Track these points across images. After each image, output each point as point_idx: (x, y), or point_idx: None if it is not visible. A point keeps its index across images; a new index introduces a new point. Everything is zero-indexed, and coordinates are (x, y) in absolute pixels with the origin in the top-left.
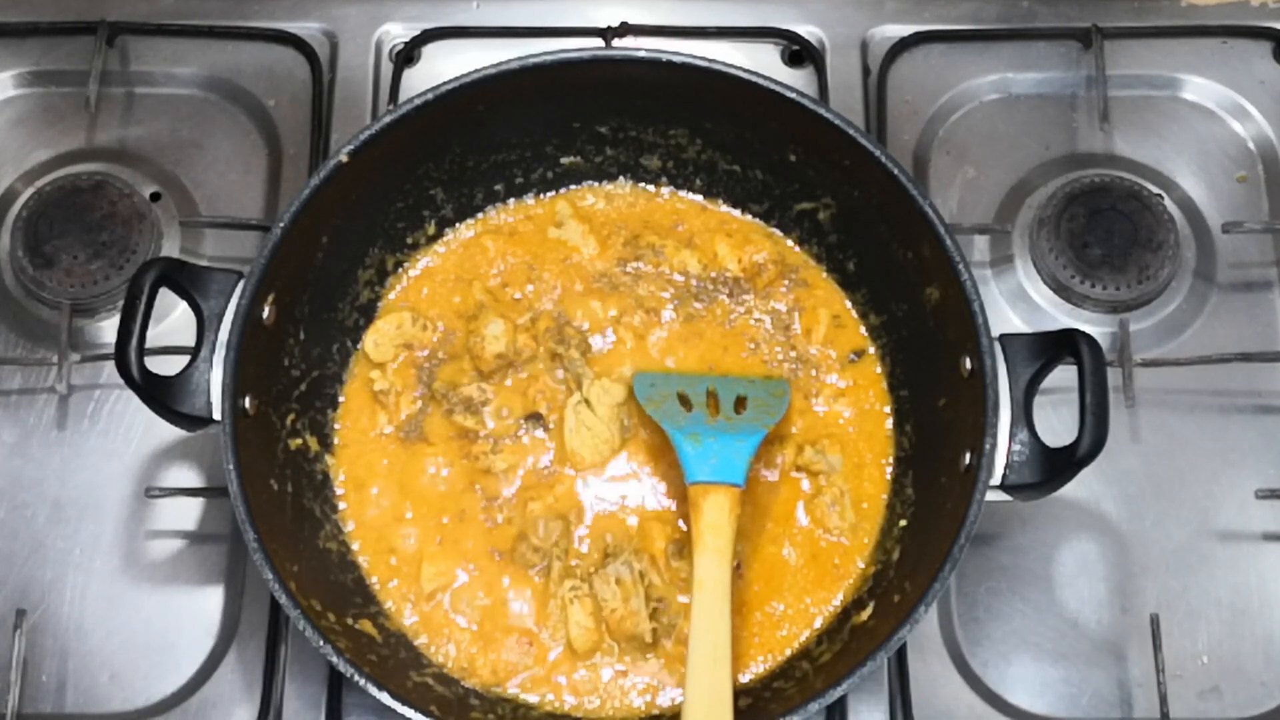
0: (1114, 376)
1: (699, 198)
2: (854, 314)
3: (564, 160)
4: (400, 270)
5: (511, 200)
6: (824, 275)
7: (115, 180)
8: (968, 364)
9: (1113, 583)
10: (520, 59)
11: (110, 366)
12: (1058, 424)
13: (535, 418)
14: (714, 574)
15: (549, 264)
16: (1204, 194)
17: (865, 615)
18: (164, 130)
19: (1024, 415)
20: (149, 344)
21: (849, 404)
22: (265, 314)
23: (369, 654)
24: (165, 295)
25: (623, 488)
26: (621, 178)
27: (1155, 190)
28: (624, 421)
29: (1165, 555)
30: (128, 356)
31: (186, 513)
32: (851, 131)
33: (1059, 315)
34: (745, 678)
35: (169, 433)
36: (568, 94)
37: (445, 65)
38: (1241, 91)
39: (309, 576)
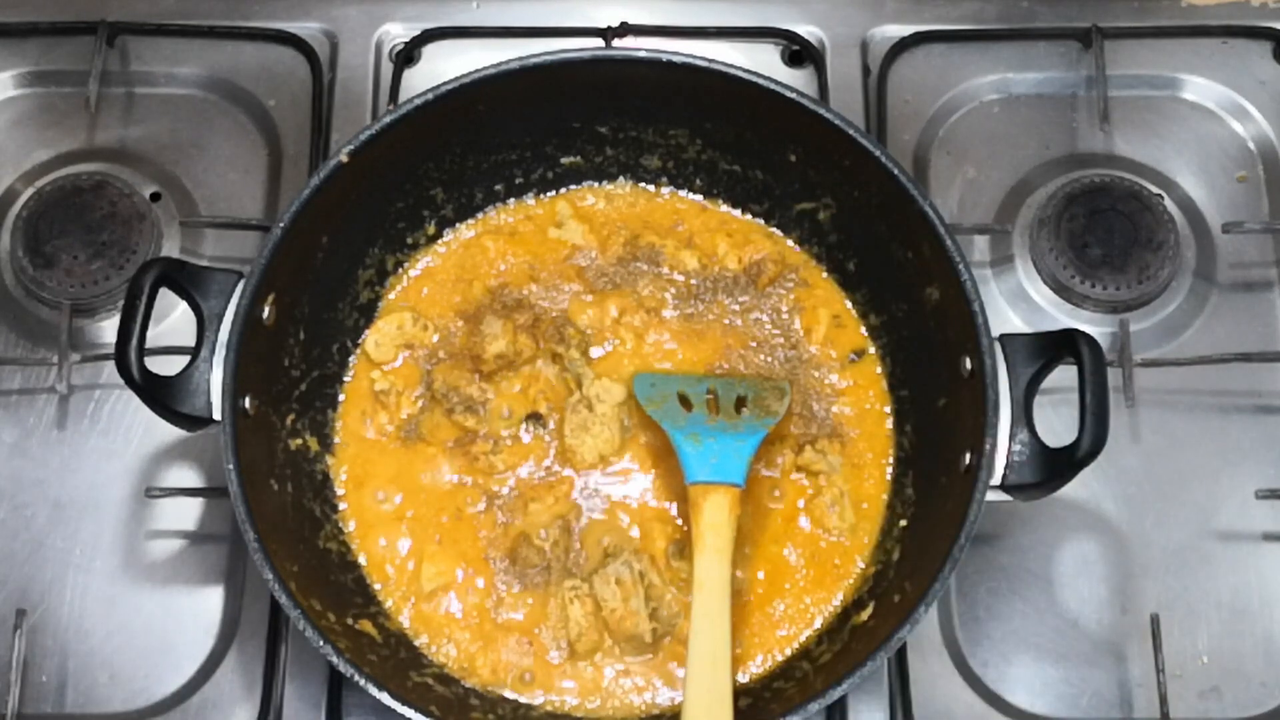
0: (1114, 376)
1: (699, 198)
2: (854, 314)
3: (564, 160)
4: (400, 270)
5: (511, 200)
6: (824, 275)
7: (115, 180)
8: (968, 364)
9: (1113, 583)
10: (520, 59)
11: (110, 366)
12: (1058, 424)
13: (535, 418)
14: (714, 574)
15: (549, 264)
16: (1204, 194)
17: (865, 615)
18: (164, 130)
19: (1024, 415)
20: (149, 344)
21: (849, 404)
22: (265, 314)
23: (369, 654)
24: (165, 295)
25: (623, 488)
26: (621, 178)
27: (1155, 190)
28: (624, 421)
29: (1165, 555)
30: (128, 356)
31: (186, 513)
32: (851, 131)
33: (1059, 315)
34: (745, 678)
35: (169, 433)
36: (568, 94)
37: (445, 65)
38: (1241, 91)
39: (309, 576)
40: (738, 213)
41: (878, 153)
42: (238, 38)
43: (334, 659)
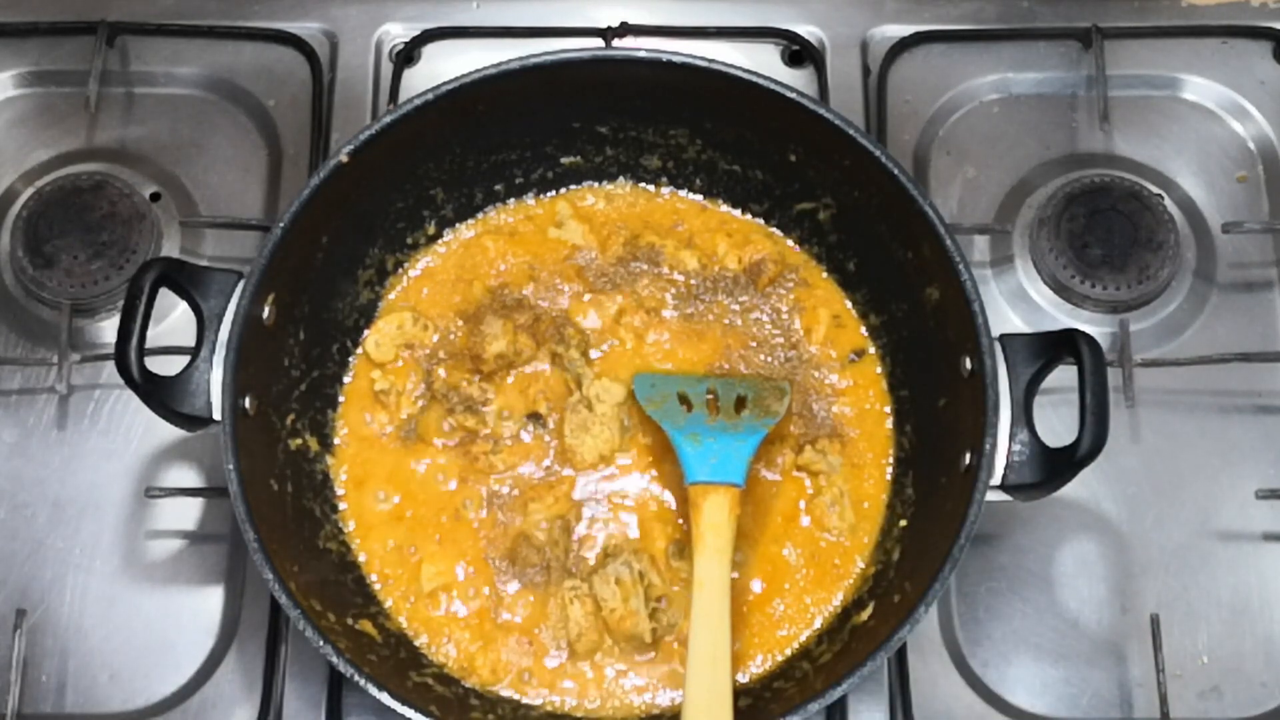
0: (1114, 376)
1: (699, 198)
2: (854, 314)
3: (564, 160)
4: (400, 270)
5: (511, 200)
6: (824, 275)
7: (115, 180)
8: (968, 364)
9: (1113, 583)
10: (520, 59)
11: (110, 366)
12: (1058, 424)
13: (535, 418)
14: (714, 574)
15: (549, 264)
16: (1204, 194)
17: (865, 615)
18: (164, 130)
19: (1024, 415)
20: (149, 344)
21: (849, 404)
22: (265, 314)
23: (369, 654)
24: (165, 295)
25: (623, 488)
26: (621, 178)
27: (1155, 190)
28: (624, 421)
29: (1165, 555)
30: (128, 356)
31: (186, 513)
32: (851, 131)
33: (1059, 315)
34: (745, 678)
35: (169, 433)
36: (568, 94)
37: (445, 65)
38: (1241, 91)
39: (309, 576)
40: (738, 213)
41: (878, 153)
42: (238, 38)
43: (334, 659)
